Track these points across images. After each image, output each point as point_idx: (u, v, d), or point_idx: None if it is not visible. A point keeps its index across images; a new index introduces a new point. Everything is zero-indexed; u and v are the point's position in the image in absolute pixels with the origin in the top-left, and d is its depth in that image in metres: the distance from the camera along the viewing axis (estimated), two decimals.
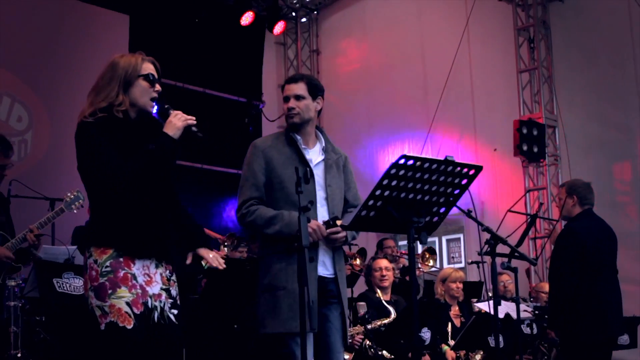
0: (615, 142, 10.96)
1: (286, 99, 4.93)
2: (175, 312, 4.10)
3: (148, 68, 4.16)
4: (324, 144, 5.03)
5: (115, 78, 4.07)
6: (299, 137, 4.93)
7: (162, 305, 4.04)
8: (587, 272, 6.60)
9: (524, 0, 11.81)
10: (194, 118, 4.14)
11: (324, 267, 4.82)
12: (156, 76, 4.19)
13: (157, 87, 4.18)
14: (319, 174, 4.90)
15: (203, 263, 8.20)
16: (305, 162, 4.85)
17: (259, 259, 4.86)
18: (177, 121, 4.05)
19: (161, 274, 4.09)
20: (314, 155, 4.96)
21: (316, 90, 4.97)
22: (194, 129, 4.09)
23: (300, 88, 4.93)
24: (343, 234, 4.75)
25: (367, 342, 7.04)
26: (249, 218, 4.75)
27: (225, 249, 8.87)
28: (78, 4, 11.56)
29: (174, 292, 4.14)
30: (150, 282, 4.02)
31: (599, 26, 11.27)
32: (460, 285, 8.39)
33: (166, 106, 4.14)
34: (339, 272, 4.88)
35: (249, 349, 8.32)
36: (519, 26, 11.81)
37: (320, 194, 4.86)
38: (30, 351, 7.23)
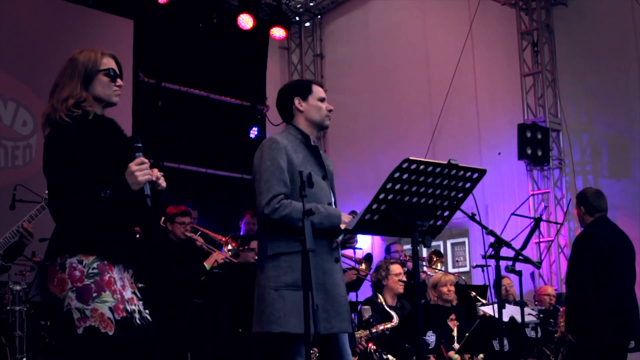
0: (619, 145, 10.96)
1: (323, 100, 4.91)
2: (148, 311, 4.04)
3: (108, 63, 4.06)
4: (322, 152, 5.03)
5: (76, 74, 4.00)
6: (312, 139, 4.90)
7: (137, 307, 3.97)
8: (605, 274, 6.72)
9: (527, 4, 11.81)
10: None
11: None
12: (117, 71, 4.08)
13: (119, 81, 4.07)
14: (329, 178, 4.92)
15: (206, 265, 8.28)
16: (322, 164, 4.84)
17: (274, 255, 4.66)
18: (139, 174, 3.82)
19: (128, 278, 4.02)
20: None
21: None
22: (146, 192, 3.83)
23: None
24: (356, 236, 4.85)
25: (372, 347, 7.04)
26: (283, 212, 4.55)
27: (229, 252, 8.86)
28: (82, 8, 11.57)
29: (138, 293, 4.07)
30: (124, 286, 3.95)
31: (603, 29, 11.26)
32: (452, 288, 8.38)
33: (135, 145, 3.90)
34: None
35: (253, 352, 8.32)
36: (522, 30, 11.80)
37: (331, 197, 4.86)
38: (35, 355, 7.24)
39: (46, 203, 6.79)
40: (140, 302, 4.04)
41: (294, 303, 4.53)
